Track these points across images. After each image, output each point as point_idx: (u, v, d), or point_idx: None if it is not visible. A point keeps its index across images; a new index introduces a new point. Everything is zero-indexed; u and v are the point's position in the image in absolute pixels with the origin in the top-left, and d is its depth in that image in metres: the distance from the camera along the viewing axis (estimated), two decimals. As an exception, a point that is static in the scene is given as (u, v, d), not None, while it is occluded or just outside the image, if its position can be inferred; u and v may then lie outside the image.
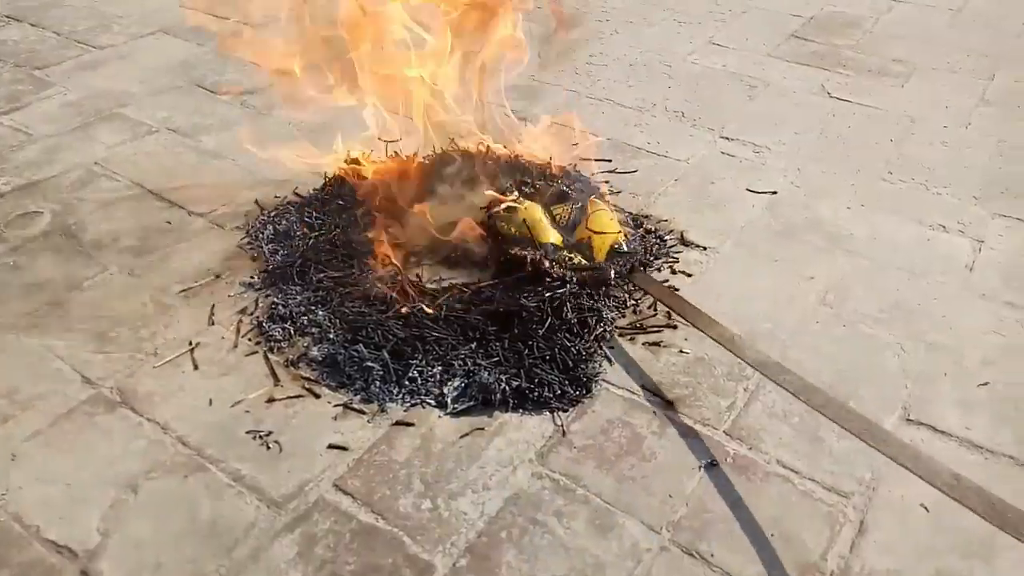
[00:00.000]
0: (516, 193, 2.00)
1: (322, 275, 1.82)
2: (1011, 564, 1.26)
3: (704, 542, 1.29)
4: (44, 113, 2.61)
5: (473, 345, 1.62)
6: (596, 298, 1.75)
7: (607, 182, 2.25)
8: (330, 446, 1.45)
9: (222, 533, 1.30)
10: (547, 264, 1.77)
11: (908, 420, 1.53)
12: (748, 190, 2.25)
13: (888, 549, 1.29)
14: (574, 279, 1.74)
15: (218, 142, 2.44)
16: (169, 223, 2.07)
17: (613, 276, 1.77)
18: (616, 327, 1.74)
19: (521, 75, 2.86)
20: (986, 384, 1.61)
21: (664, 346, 1.70)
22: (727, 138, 2.51)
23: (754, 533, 1.31)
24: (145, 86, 2.77)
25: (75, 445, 1.45)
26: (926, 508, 1.36)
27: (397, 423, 1.50)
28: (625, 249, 1.84)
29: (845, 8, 3.53)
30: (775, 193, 2.23)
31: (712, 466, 1.42)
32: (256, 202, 2.14)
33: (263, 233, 2.01)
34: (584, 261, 1.82)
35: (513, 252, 1.80)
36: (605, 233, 1.85)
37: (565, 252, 1.84)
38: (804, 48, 3.16)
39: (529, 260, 1.77)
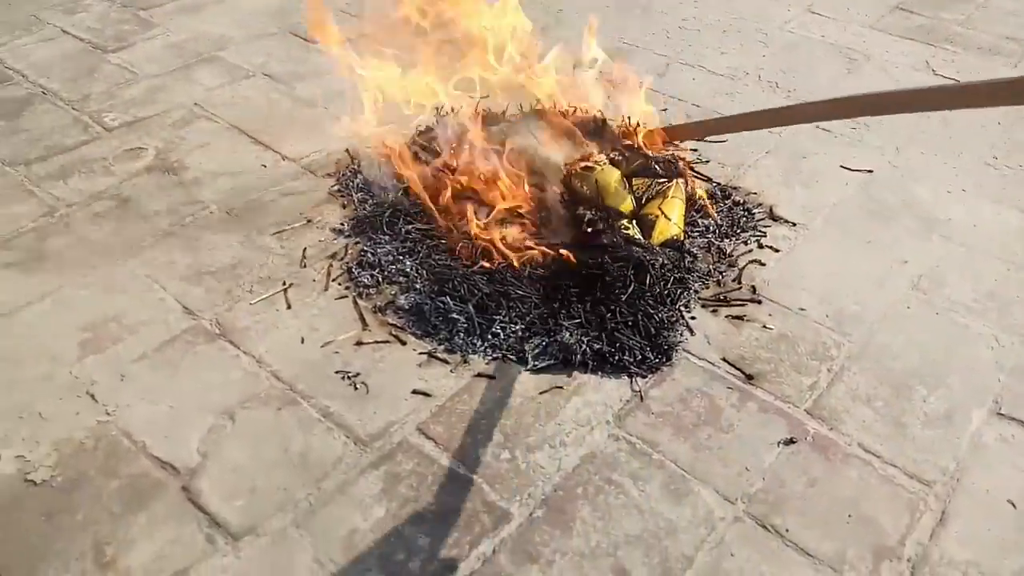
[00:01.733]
0: (602, 156, 1.99)
1: (410, 226, 1.86)
2: (1100, 568, 1.23)
3: (779, 516, 1.30)
4: (148, 53, 2.70)
5: (556, 305, 1.64)
6: (681, 267, 1.74)
7: (695, 150, 2.22)
8: (414, 391, 1.50)
9: (312, 465, 1.37)
10: (600, 226, 1.76)
11: (999, 414, 1.49)
12: (842, 167, 2.18)
13: (970, 541, 1.27)
14: (620, 246, 1.72)
15: (311, 90, 2.49)
16: (264, 166, 2.14)
17: (650, 263, 1.69)
18: (700, 298, 1.73)
19: (610, 38, 2.84)
20: (1086, 385, 1.55)
21: (747, 320, 1.68)
22: (823, 112, 2.43)
23: (831, 513, 1.31)
24: (242, 31, 2.84)
25: (177, 371, 1.54)
26: (1013, 504, 1.33)
27: (479, 375, 1.54)
28: (681, 246, 1.81)
29: (958, -20, 3.33)
30: (871, 172, 2.16)
31: (791, 443, 1.42)
32: (347, 151, 2.18)
33: (353, 181, 2.06)
34: (638, 236, 1.80)
35: (578, 210, 1.80)
36: (672, 221, 1.83)
37: (624, 221, 1.83)
38: (909, 21, 3.01)
39: (586, 219, 1.77)
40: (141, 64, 2.63)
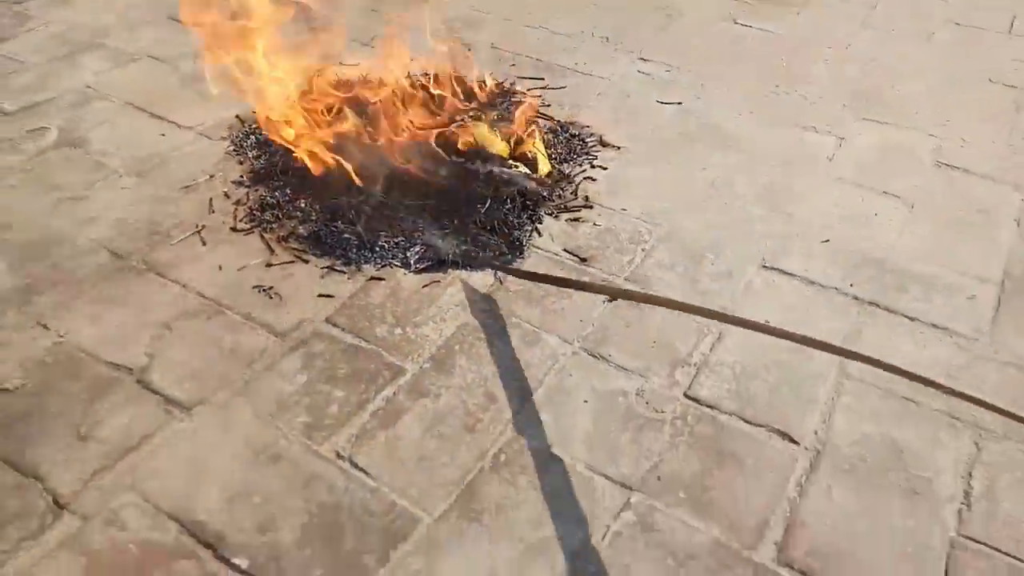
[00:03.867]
0: (465, 117, 2.38)
1: (301, 172, 2.19)
2: (825, 354, 1.75)
3: (604, 348, 1.75)
4: (30, 44, 2.87)
5: (430, 219, 2.03)
6: (555, 193, 2.18)
7: (540, 96, 2.65)
8: (320, 295, 1.86)
9: (242, 354, 1.71)
10: (496, 171, 2.14)
11: (764, 267, 2.00)
12: (658, 102, 2.67)
13: (736, 349, 1.76)
14: (525, 185, 2.11)
15: (196, 67, 2.75)
16: (163, 135, 2.41)
17: (545, 194, 2.15)
18: (545, 207, 2.16)
19: (461, 6, 3.22)
20: (827, 241, 2.08)
21: (582, 221, 2.13)
22: (644, 59, 2.92)
23: (640, 343, 1.77)
24: (120, 19, 3.04)
25: (115, 300, 1.83)
26: (768, 322, 1.83)
27: (372, 278, 1.92)
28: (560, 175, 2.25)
29: (756, -56, 3.91)
30: (680, 104, 2.66)
31: (613, 300, 1.88)
32: (237, 116, 2.48)
33: (246, 141, 2.37)
34: (528, 171, 2.21)
35: (472, 166, 2.14)
36: (545, 156, 2.26)
37: (511, 161, 2.23)
38: (717, -19, 3.55)
39: (483, 173, 2.14)
40: (25, 54, 2.81)
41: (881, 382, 1.69)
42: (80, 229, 2.03)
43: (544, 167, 2.27)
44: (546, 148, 2.36)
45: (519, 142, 2.31)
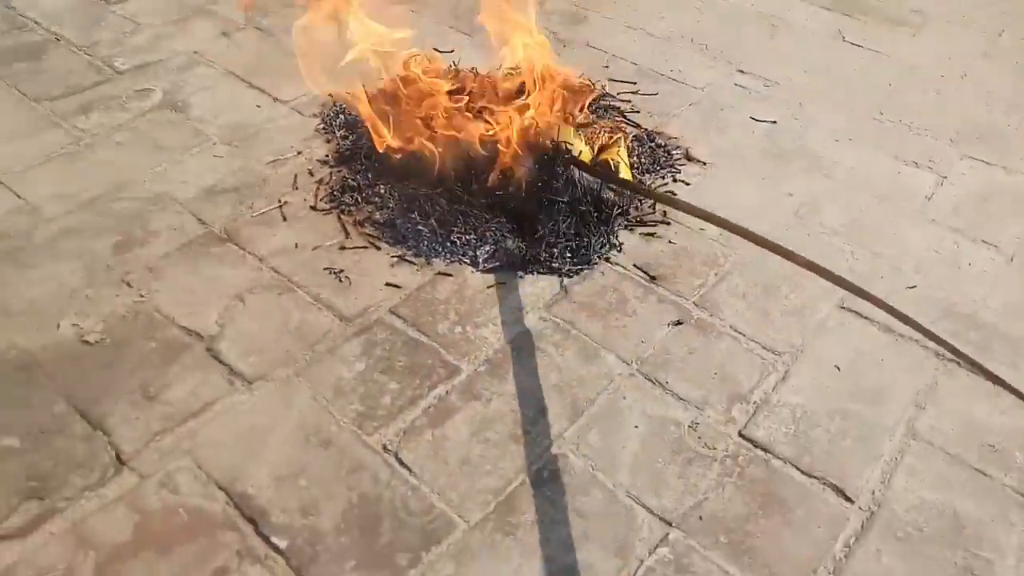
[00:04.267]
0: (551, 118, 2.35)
1: (383, 158, 2.22)
2: (894, 409, 1.67)
3: (663, 373, 1.72)
4: (147, 6, 3.00)
5: (503, 220, 2.03)
6: (604, 197, 2.14)
7: (629, 101, 2.61)
8: (387, 284, 1.89)
9: (307, 334, 1.76)
10: (576, 176, 2.10)
11: (842, 307, 1.92)
12: (751, 118, 2.58)
13: (801, 390, 1.70)
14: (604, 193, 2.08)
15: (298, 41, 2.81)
16: (259, 106, 2.49)
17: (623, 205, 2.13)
18: (621, 219, 2.13)
19: (566, 2, 3.19)
20: (914, 287, 1.98)
21: (657, 237, 2.09)
22: (742, 71, 2.83)
23: (702, 372, 1.73)
24: (232, -14, 3.14)
25: (195, 266, 1.91)
26: (838, 368, 1.76)
27: (439, 273, 1.93)
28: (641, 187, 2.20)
29: (879, -43, 3.72)
30: (775, 122, 2.56)
31: (678, 324, 1.84)
32: (330, 95, 2.53)
33: (336, 121, 2.42)
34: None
35: (553, 168, 2.11)
36: (628, 166, 2.22)
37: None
38: (831, -7, 3.39)
39: (563, 176, 2.10)
40: (141, 16, 2.93)
41: (951, 447, 1.61)
42: (172, 192, 2.13)
43: (625, 176, 2.23)
44: (629, 157, 2.32)
45: (603, 149, 2.28)
